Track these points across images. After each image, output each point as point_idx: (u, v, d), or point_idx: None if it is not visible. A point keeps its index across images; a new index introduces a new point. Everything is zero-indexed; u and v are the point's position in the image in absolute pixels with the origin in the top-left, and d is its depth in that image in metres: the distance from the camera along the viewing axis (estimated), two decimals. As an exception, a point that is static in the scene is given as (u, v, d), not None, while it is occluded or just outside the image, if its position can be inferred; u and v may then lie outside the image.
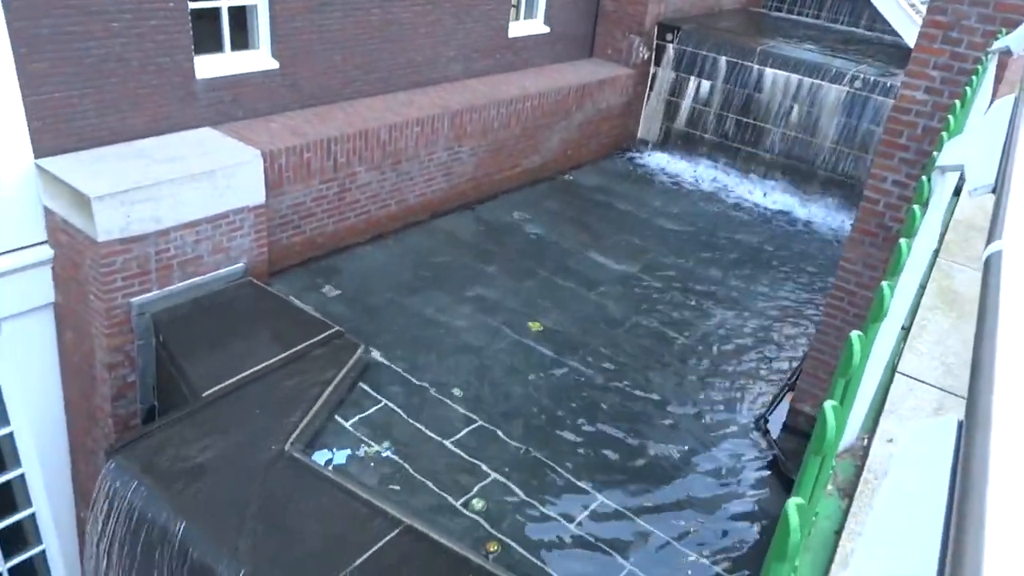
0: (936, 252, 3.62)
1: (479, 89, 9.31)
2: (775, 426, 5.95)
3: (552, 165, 10.54)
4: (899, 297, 2.60)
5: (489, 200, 9.47)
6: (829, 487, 2.40)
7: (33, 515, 7.31)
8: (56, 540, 7.44)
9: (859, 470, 2.61)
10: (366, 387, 5.91)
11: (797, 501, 1.01)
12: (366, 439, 5.38)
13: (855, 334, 1.53)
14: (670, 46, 11.18)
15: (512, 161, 9.81)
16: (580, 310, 7.32)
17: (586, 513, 4.95)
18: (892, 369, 2.90)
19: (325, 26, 7.70)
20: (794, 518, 0.98)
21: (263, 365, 5.78)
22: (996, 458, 0.59)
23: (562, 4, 10.75)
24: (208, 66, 6.97)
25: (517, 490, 5.09)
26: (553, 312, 7.22)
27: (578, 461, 5.39)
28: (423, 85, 8.98)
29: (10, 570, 7.33)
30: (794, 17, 14.05)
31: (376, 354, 6.28)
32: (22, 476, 7.08)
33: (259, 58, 7.38)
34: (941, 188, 2.77)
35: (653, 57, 11.40)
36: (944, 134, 3.20)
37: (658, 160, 11.51)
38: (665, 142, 11.64)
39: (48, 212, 6.10)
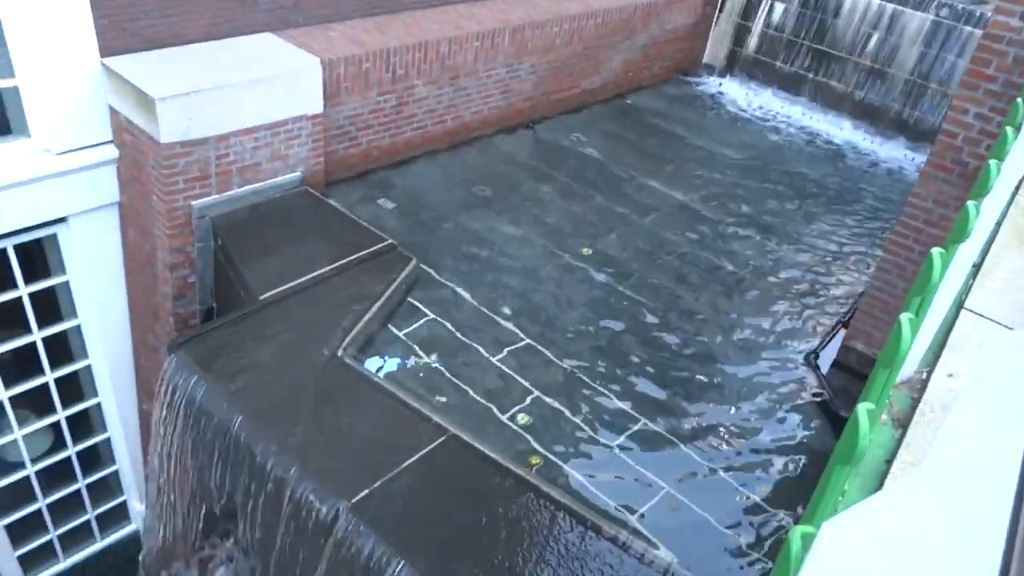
0: (1017, 188, 3.46)
1: (541, 4, 9.03)
2: (825, 363, 5.87)
3: (612, 87, 10.27)
4: (975, 230, 2.50)
5: (546, 120, 9.31)
6: (884, 416, 2.37)
7: (99, 404, 7.70)
8: (120, 429, 7.85)
9: (915, 402, 2.57)
10: (416, 301, 5.99)
11: (867, 406, 0.99)
12: (416, 350, 5.49)
13: (936, 251, 1.48)
14: (744, -35, 10.65)
15: (572, 81, 9.57)
16: (634, 236, 7.24)
17: (628, 435, 5.01)
18: (959, 305, 2.81)
19: (388, -69, 7.50)
20: (864, 423, 0.96)
21: (317, 273, 5.89)
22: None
23: (633, -84, 10.25)
24: (270, -31, 6.87)
25: (561, 409, 5.16)
26: (606, 237, 7.16)
27: (623, 384, 5.42)
28: (485, -2, 8.75)
29: (78, 454, 7.79)
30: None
31: (428, 268, 6.33)
32: (89, 367, 7.44)
33: (321, -37, 7.25)
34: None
35: (725, -23, 10.89)
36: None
37: (723, 87, 11.12)
38: (731, 68, 11.22)
39: (113, 112, 6.19)
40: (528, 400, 5.19)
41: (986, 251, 2.89)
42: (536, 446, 4.83)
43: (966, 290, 2.86)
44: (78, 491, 7.99)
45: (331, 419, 4.78)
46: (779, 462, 4.92)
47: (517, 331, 5.80)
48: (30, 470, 7.40)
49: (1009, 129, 2.34)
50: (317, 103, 6.68)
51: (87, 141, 6.26)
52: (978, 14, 8.98)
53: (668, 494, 4.59)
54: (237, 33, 6.79)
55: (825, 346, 5.96)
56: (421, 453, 4.56)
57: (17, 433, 7.11)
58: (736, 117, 10.39)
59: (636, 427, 5.07)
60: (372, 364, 5.30)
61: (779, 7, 10.51)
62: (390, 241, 6.34)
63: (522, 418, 5.04)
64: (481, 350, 5.57)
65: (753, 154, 9.35)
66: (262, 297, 5.58)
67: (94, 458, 8.06)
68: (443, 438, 4.66)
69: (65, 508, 7.99)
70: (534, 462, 4.71)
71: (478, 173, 7.98)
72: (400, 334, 5.63)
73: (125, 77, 5.87)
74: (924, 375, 2.60)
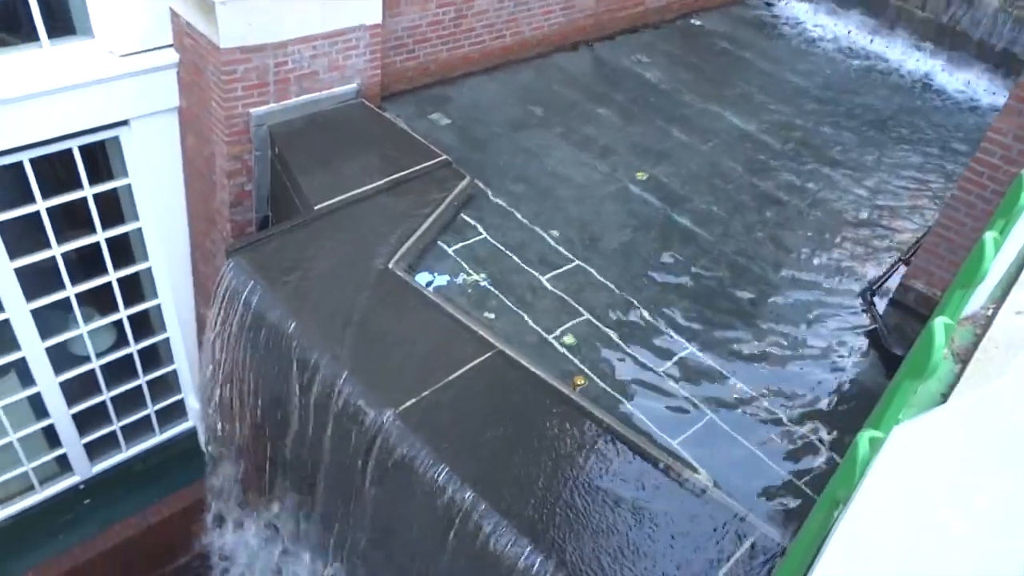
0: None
1: (610, -85, 8.64)
2: (881, 300, 5.74)
3: (678, 6, 9.86)
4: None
5: (607, 40, 9.03)
6: (945, 351, 2.31)
7: (158, 306, 7.97)
8: (178, 330, 8.14)
9: (978, 339, 2.49)
10: (468, 218, 5.99)
11: (945, 320, 0.96)
12: (465, 266, 5.52)
13: (1027, 170, 1.40)
14: None
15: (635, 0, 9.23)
16: (690, 162, 7.07)
17: (674, 360, 5.01)
18: (1034, 242, 2.69)
19: None
20: (940, 335, 0.93)
21: (372, 186, 5.91)
22: None
23: None
24: None
25: (608, 331, 5.17)
26: (662, 162, 7.01)
27: (672, 311, 5.39)
28: (550, -94, 8.40)
29: (139, 352, 8.12)
30: None
31: (481, 186, 6.30)
32: (149, 270, 7.68)
33: None
34: None
35: None
36: None
37: (794, 10, 10.59)
38: (805, -10, 10.64)
39: (174, 15, 6.19)
40: (575, 321, 5.21)
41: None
42: (580, 366, 4.87)
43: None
44: (139, 387, 8.37)
45: (381, 329, 4.88)
46: (826, 396, 4.88)
47: (567, 252, 5.77)
48: (95, 364, 7.76)
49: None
50: (376, 13, 6.57)
51: (149, 44, 6.29)
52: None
53: (711, 421, 4.61)
54: (297, -63, 6.66)
55: (883, 283, 5.81)
56: (467, 367, 4.65)
57: (83, 328, 7.43)
58: (806, 43, 9.92)
59: (683, 354, 5.06)
60: (422, 278, 5.35)
61: (862, -76, 9.86)
62: (444, 157, 6.31)
63: (568, 339, 5.07)
64: (530, 270, 5.58)
65: (822, 82, 8.96)
66: (317, 207, 5.64)
67: (154, 357, 8.41)
68: (489, 354, 4.73)
69: (127, 403, 8.40)
70: (578, 383, 4.76)
71: (535, 92, 7.82)
72: (450, 250, 5.66)
73: (186, -21, 5.84)
74: (990, 311, 2.52)
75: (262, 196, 6.66)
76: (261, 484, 6.03)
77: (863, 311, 5.60)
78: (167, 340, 8.29)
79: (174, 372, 8.60)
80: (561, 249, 5.81)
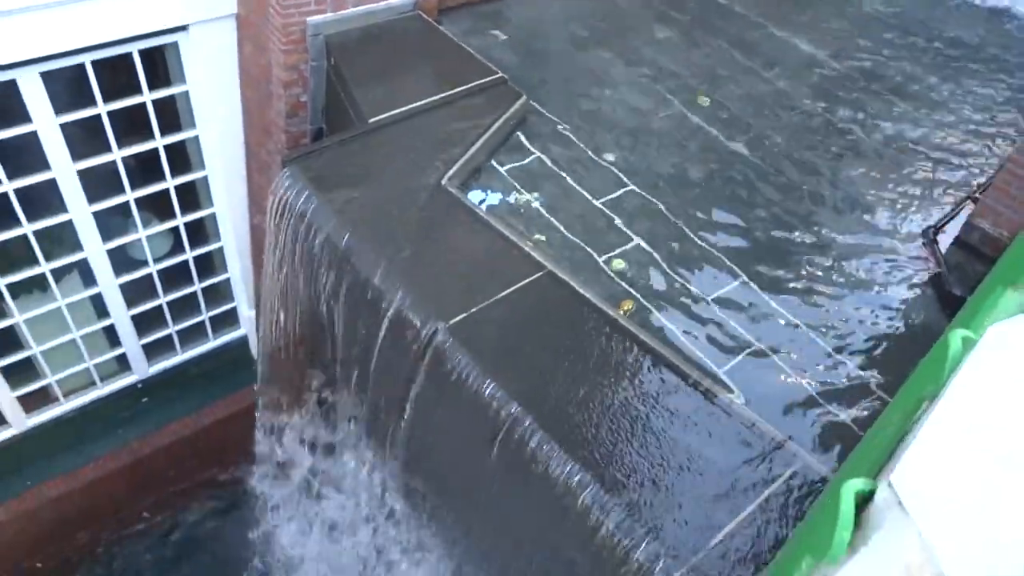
0: None
1: None
2: (945, 240, 5.55)
3: (751, -76, 9.35)
4: None
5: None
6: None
7: (214, 215, 8.12)
8: (233, 239, 8.30)
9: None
10: (523, 137, 5.91)
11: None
12: (518, 186, 5.47)
13: None
14: None
15: (707, -86, 8.76)
16: (753, 89, 6.83)
17: (724, 291, 4.95)
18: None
19: None
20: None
21: (427, 101, 5.85)
22: None
23: None
24: None
25: (659, 259, 5.12)
26: (725, 87, 6.78)
27: (725, 242, 5.31)
28: None
29: (194, 259, 8.33)
30: None
31: (536, 106, 6.19)
32: (206, 179, 7.79)
33: None
34: None
35: None
36: None
37: (876, -69, 9.97)
38: (889, -91, 9.99)
39: (233, -83, 6.09)
40: (626, 246, 5.16)
41: None
42: (630, 291, 4.85)
43: None
44: (194, 294, 8.61)
45: (432, 245, 4.90)
46: (881, 333, 4.80)
47: (622, 176, 5.68)
48: (152, 268, 7.99)
49: None
50: (436, -80, 6.38)
51: (207, -53, 6.23)
52: None
53: (758, 350, 4.58)
54: None
55: (948, 221, 5.61)
56: (517, 286, 4.66)
57: (141, 233, 7.63)
58: (886, -34, 9.37)
59: (734, 283, 5.00)
60: (475, 196, 5.33)
61: None
62: (501, 75, 6.19)
63: (617, 263, 5.04)
64: (583, 192, 5.51)
65: (899, 8, 8.50)
66: (372, 120, 5.61)
67: (208, 265, 8.62)
68: (539, 274, 4.73)
69: (183, 308, 8.67)
70: (626, 307, 4.74)
71: (596, 10, 7.58)
72: (503, 170, 5.61)
73: None
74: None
75: (317, 108, 6.64)
76: (304, 393, 6.23)
77: (924, 247, 5.44)
78: (221, 249, 8.47)
79: (227, 280, 8.82)
80: (615, 171, 5.72)
